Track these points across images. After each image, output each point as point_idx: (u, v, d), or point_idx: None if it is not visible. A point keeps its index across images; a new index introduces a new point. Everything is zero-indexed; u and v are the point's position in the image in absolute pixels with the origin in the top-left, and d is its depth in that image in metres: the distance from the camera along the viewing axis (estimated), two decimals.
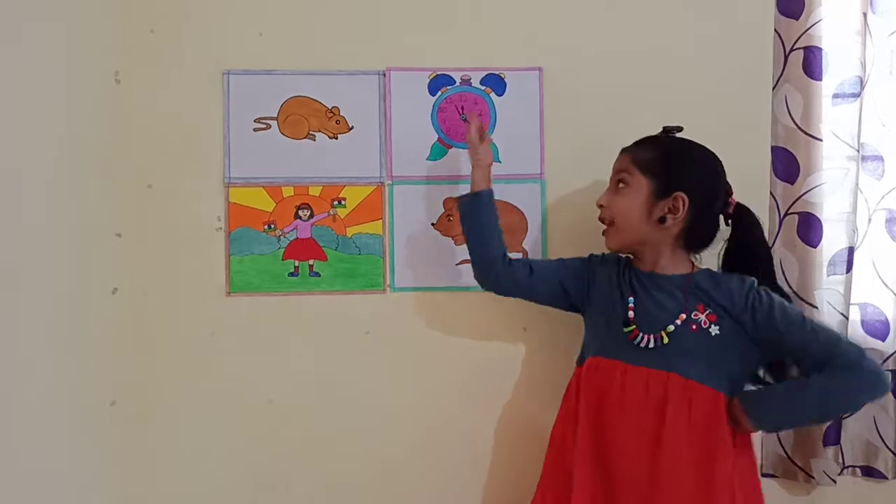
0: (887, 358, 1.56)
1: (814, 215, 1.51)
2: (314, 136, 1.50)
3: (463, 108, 1.51)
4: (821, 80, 1.51)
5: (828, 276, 1.52)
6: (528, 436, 1.50)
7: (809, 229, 1.52)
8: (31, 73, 1.43)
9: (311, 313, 1.50)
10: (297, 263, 1.50)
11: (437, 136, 1.51)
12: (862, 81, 1.51)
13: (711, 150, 1.29)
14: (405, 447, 1.51)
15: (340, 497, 1.51)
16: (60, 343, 1.45)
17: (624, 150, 1.32)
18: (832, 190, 1.51)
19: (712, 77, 1.52)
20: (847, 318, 1.51)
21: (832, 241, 1.52)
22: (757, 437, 1.55)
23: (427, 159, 1.51)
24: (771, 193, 1.54)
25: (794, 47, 1.51)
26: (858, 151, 1.51)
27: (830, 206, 1.51)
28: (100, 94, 1.46)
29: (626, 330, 1.25)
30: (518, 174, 1.51)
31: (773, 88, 1.53)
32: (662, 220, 1.26)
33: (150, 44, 1.47)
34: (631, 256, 1.35)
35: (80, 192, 1.46)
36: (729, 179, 1.50)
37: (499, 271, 1.37)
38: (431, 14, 1.50)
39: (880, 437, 1.56)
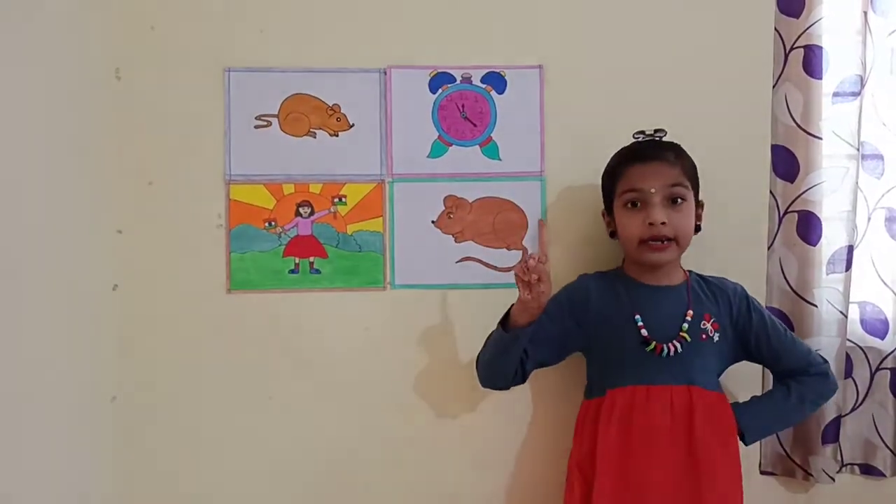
0: (886, 356, 1.56)
1: (813, 214, 1.52)
2: (315, 133, 1.50)
3: (464, 107, 1.51)
4: (821, 78, 1.51)
5: (827, 274, 1.52)
6: (527, 431, 1.50)
7: (809, 228, 1.52)
8: (32, 69, 1.43)
9: (312, 310, 1.50)
10: (297, 260, 1.50)
11: (437, 134, 1.51)
12: (862, 80, 1.51)
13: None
14: (405, 444, 1.52)
15: (340, 493, 1.51)
16: (61, 339, 1.45)
17: (662, 158, 1.27)
18: (832, 188, 1.51)
19: (712, 75, 1.52)
20: (846, 317, 1.52)
21: (832, 240, 1.52)
22: None
23: (427, 157, 1.51)
24: (771, 192, 1.54)
25: (795, 46, 1.52)
26: (858, 150, 1.51)
27: (830, 205, 1.51)
28: (100, 90, 1.47)
29: (648, 349, 1.26)
30: (518, 172, 1.52)
31: (773, 87, 1.53)
32: (698, 229, 1.30)
33: (151, 40, 1.48)
34: (620, 268, 1.37)
35: (80, 189, 1.46)
36: (729, 177, 1.52)
37: (506, 385, 1.34)
38: (432, 12, 1.50)
39: (879, 435, 1.57)
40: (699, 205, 1.33)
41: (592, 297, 1.34)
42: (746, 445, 1.32)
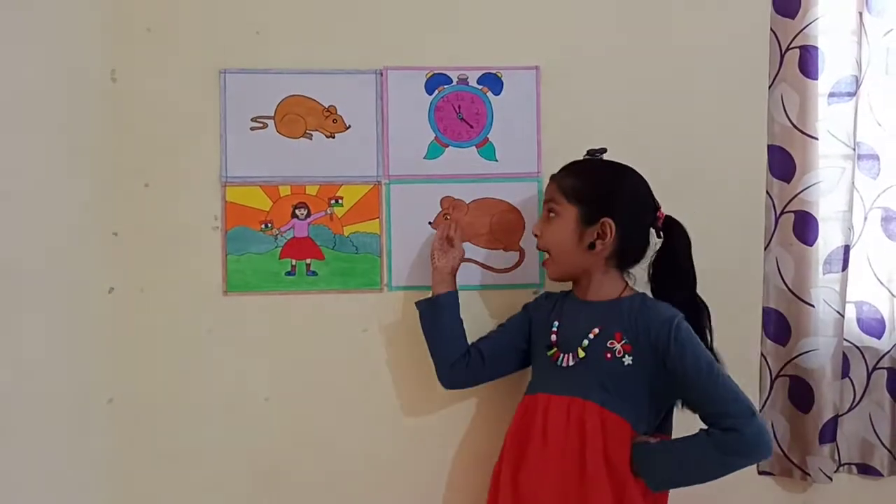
0: (883, 356, 1.56)
1: (810, 214, 1.52)
2: (311, 135, 1.50)
3: (460, 108, 1.51)
4: (817, 79, 1.51)
5: (824, 274, 1.52)
6: None
7: (805, 228, 1.52)
8: (28, 70, 1.43)
9: (309, 312, 1.50)
10: (294, 262, 1.50)
11: (434, 135, 1.51)
12: (858, 80, 1.51)
13: (633, 168, 1.30)
14: (402, 445, 1.51)
15: (337, 494, 1.51)
16: (57, 342, 1.45)
17: (552, 178, 1.34)
18: (828, 188, 1.51)
19: (708, 76, 1.52)
20: (843, 317, 1.52)
21: (828, 240, 1.52)
22: None
23: (424, 158, 1.51)
24: (767, 192, 1.54)
25: (790, 46, 1.52)
26: (854, 150, 1.52)
27: (826, 205, 1.52)
28: (96, 92, 1.46)
29: (549, 353, 1.30)
30: (515, 173, 1.52)
31: (769, 87, 1.53)
32: (592, 246, 1.27)
33: (147, 42, 1.47)
34: (570, 287, 1.38)
35: (76, 191, 1.46)
36: (726, 178, 1.52)
37: (457, 373, 1.40)
38: (428, 13, 1.50)
39: (876, 434, 1.57)
40: (604, 225, 1.25)
41: (543, 304, 1.40)
42: (654, 492, 1.21)
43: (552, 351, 1.29)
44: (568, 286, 1.38)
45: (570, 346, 1.28)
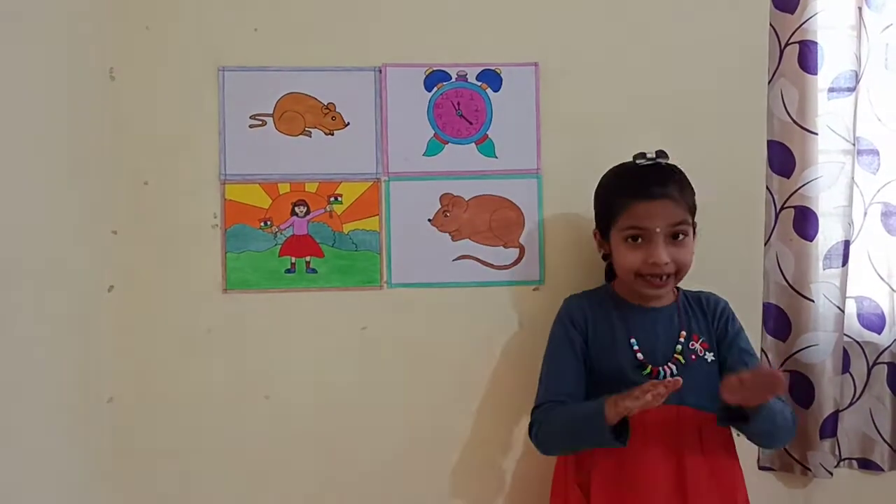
0: (883, 351, 1.56)
1: (810, 209, 1.52)
2: (310, 132, 1.50)
3: (459, 105, 1.51)
4: (816, 74, 1.51)
5: (824, 269, 1.52)
6: (526, 432, 1.50)
7: (805, 223, 1.52)
8: (26, 69, 1.42)
9: (308, 310, 1.49)
10: (293, 260, 1.50)
11: (433, 132, 1.51)
12: (857, 76, 1.51)
13: None
14: (402, 443, 1.51)
15: (337, 492, 1.51)
16: (57, 341, 1.44)
17: (667, 196, 1.23)
18: (828, 184, 1.51)
19: (708, 71, 1.52)
20: (843, 312, 1.52)
21: (828, 235, 1.52)
22: None
23: (423, 155, 1.51)
24: (767, 188, 1.54)
25: (790, 42, 1.52)
26: (854, 145, 1.52)
27: (826, 200, 1.52)
28: (95, 90, 1.46)
29: (644, 373, 1.25)
30: (514, 170, 1.51)
31: (769, 83, 1.53)
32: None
33: (145, 40, 1.47)
34: (609, 286, 1.35)
35: (75, 189, 1.45)
36: (725, 174, 1.52)
37: None
38: (427, 10, 1.50)
39: (876, 429, 1.57)
40: (695, 232, 1.29)
41: (589, 316, 1.33)
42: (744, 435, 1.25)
43: (647, 370, 1.24)
44: (594, 264, 1.40)
45: (661, 359, 1.26)
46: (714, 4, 1.52)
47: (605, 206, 1.32)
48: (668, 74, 1.52)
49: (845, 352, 1.55)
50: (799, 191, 1.52)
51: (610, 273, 1.40)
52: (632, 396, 1.11)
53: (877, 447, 1.57)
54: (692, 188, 1.30)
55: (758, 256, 1.54)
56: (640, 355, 1.26)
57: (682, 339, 1.27)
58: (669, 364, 1.25)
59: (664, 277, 1.24)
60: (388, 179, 1.50)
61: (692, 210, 1.28)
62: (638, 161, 1.29)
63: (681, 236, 1.24)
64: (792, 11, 1.51)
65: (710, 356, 1.28)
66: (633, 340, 1.27)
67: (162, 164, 1.48)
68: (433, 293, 1.51)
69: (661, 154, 1.29)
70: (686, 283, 1.34)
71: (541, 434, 1.29)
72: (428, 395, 1.51)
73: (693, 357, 1.27)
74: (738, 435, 1.52)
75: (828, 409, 1.51)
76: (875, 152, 1.58)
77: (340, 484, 1.51)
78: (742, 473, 1.31)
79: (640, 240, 1.24)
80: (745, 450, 1.54)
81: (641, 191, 1.24)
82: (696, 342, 1.28)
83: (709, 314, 1.33)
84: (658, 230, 1.22)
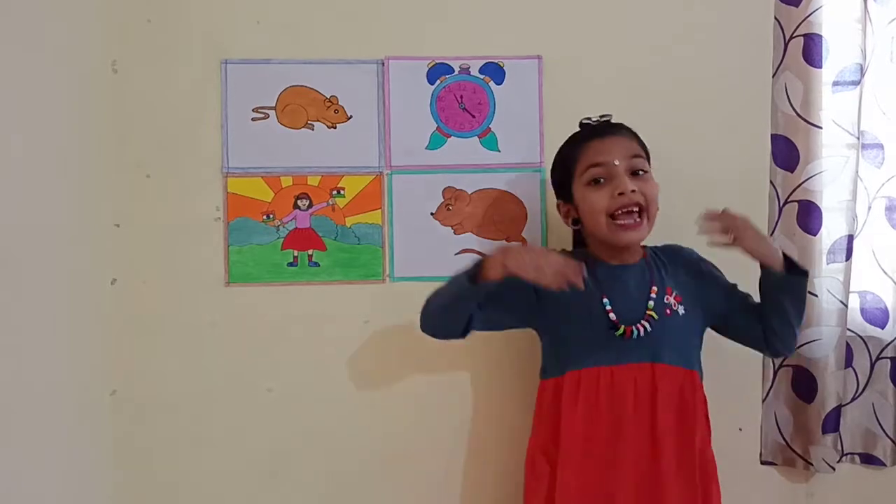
0: (887, 345, 1.56)
1: (813, 203, 1.51)
2: (313, 125, 1.49)
3: (462, 98, 1.51)
4: (821, 67, 1.50)
5: (827, 264, 1.51)
6: (527, 423, 1.50)
7: (809, 217, 1.51)
8: (28, 62, 1.42)
9: (311, 303, 1.50)
10: (296, 253, 1.50)
11: (435, 126, 1.50)
12: (862, 69, 1.50)
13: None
14: (404, 436, 1.52)
15: (339, 485, 1.51)
16: (60, 334, 1.45)
17: (619, 133, 1.26)
18: (832, 178, 1.51)
19: (712, 65, 1.51)
20: (846, 306, 1.51)
21: (832, 230, 1.51)
22: (756, 425, 1.56)
23: (426, 148, 1.50)
24: (771, 182, 1.54)
25: (794, 35, 1.51)
26: (858, 139, 1.51)
27: (830, 194, 1.51)
28: (97, 83, 1.46)
29: (618, 334, 1.23)
30: (517, 163, 1.51)
31: (773, 76, 1.53)
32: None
33: (148, 33, 1.47)
34: (583, 249, 1.33)
35: (77, 183, 1.45)
36: (729, 167, 1.51)
37: (450, 335, 1.28)
38: (430, 2, 1.50)
39: (879, 424, 1.57)
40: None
41: None
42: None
43: (621, 330, 1.22)
44: (562, 245, 1.39)
45: (636, 316, 1.24)
46: None
47: (561, 165, 1.31)
48: (671, 67, 1.51)
49: (848, 346, 1.54)
50: (803, 185, 1.52)
51: (578, 241, 1.38)
52: (522, 263, 1.12)
53: (879, 442, 1.57)
54: (643, 142, 1.29)
55: None
56: (612, 315, 1.24)
57: (653, 295, 1.25)
58: (643, 322, 1.23)
59: (636, 214, 1.22)
60: (391, 173, 1.50)
61: (647, 152, 1.28)
62: (583, 122, 1.31)
63: (641, 172, 1.24)
64: (797, 4, 1.50)
65: (681, 309, 1.26)
66: (605, 301, 1.25)
67: (164, 157, 1.48)
68: (435, 287, 1.50)
69: (604, 116, 1.30)
70: None
71: (426, 306, 1.27)
72: (430, 388, 1.51)
73: (668, 311, 1.25)
74: (741, 429, 1.53)
75: (830, 404, 1.51)
76: (880, 146, 1.57)
77: (342, 476, 1.51)
78: (709, 432, 1.29)
79: (602, 180, 1.23)
80: (747, 445, 1.56)
81: (592, 132, 1.27)
82: (670, 296, 1.26)
83: (685, 265, 1.32)
84: (617, 163, 1.22)
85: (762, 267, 1.26)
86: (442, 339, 1.31)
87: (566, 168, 1.29)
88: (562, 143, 1.33)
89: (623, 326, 1.23)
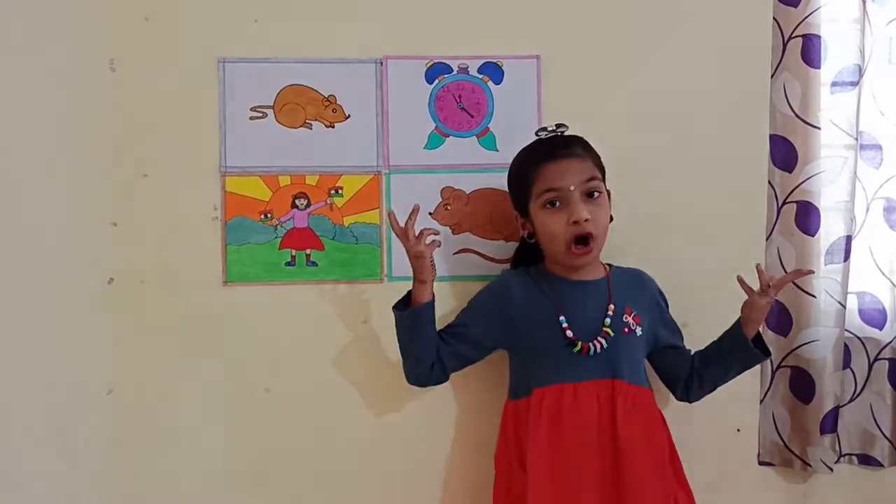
0: (884, 346, 1.56)
1: (812, 204, 1.51)
2: (311, 124, 1.49)
3: (460, 97, 1.50)
4: (819, 68, 1.50)
5: (825, 264, 1.51)
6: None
7: (807, 218, 1.51)
8: (26, 60, 1.42)
9: (308, 303, 1.49)
10: (293, 253, 1.49)
11: (434, 125, 1.50)
12: (860, 70, 1.50)
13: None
14: (402, 436, 1.51)
15: (337, 485, 1.51)
16: (57, 333, 1.44)
17: (574, 154, 1.27)
18: (830, 178, 1.51)
19: (710, 65, 1.51)
20: (844, 307, 1.51)
21: (830, 230, 1.51)
22: (754, 426, 1.56)
23: (424, 148, 1.50)
24: (769, 182, 1.54)
25: (793, 35, 1.51)
26: (857, 140, 1.51)
27: (828, 195, 1.51)
28: (94, 82, 1.45)
29: (575, 350, 1.26)
30: None
31: (772, 76, 1.52)
32: (611, 219, 1.31)
33: (145, 31, 1.46)
34: (541, 264, 1.36)
35: (74, 182, 1.45)
36: (727, 168, 1.52)
37: (429, 378, 1.36)
38: (428, 2, 1.49)
39: (877, 425, 1.57)
40: (609, 197, 1.32)
41: (514, 294, 1.34)
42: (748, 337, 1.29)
43: (577, 346, 1.26)
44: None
45: (591, 333, 1.26)
46: None
47: (518, 181, 1.34)
48: (670, 68, 1.51)
49: (846, 347, 1.55)
50: (801, 185, 1.52)
51: (524, 255, 1.41)
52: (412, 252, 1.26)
53: (877, 443, 1.57)
54: (597, 153, 1.31)
55: (759, 251, 1.53)
56: (569, 333, 1.27)
57: (610, 312, 1.28)
58: (599, 339, 1.26)
59: (588, 241, 1.25)
60: (389, 172, 1.50)
61: (602, 170, 1.30)
62: (539, 134, 1.33)
63: (595, 194, 1.27)
64: (795, 5, 1.50)
65: (639, 330, 1.30)
66: (561, 318, 1.28)
67: (162, 156, 1.47)
68: (434, 287, 1.50)
69: (560, 125, 1.31)
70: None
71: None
72: (428, 388, 1.51)
73: (626, 330, 1.28)
74: (738, 430, 1.53)
75: (828, 405, 1.51)
76: (878, 147, 1.57)
77: (340, 476, 1.51)
78: (673, 443, 1.33)
79: (557, 204, 1.26)
80: (745, 446, 1.56)
81: (548, 154, 1.28)
82: (629, 315, 1.29)
83: (646, 291, 1.36)
84: (572, 188, 1.25)
85: (735, 328, 1.31)
86: (430, 386, 1.38)
87: (523, 186, 1.32)
88: (519, 152, 1.35)
89: (580, 343, 1.26)
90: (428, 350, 1.32)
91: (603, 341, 1.26)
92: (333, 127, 1.49)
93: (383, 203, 1.50)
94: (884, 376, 1.57)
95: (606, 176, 1.33)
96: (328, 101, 1.49)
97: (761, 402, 1.56)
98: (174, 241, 1.48)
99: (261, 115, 1.48)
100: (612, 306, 1.28)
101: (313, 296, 1.49)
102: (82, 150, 1.45)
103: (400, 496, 1.52)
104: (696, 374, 1.35)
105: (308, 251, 1.49)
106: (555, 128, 1.31)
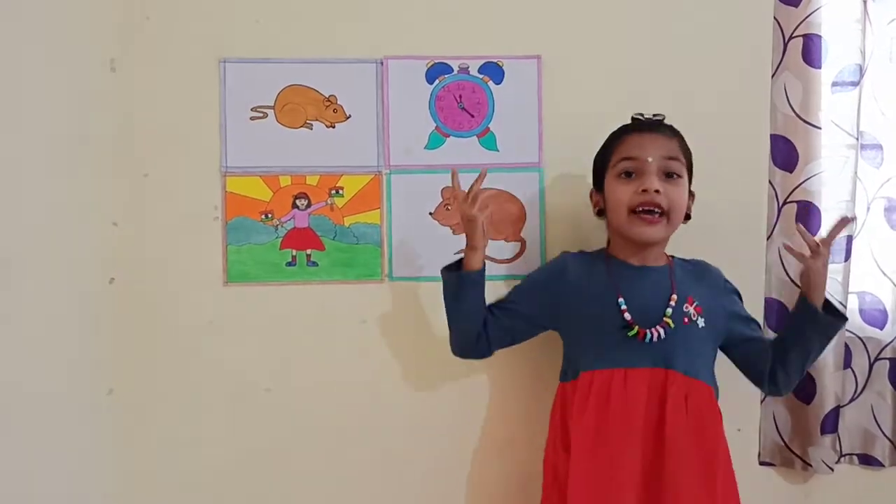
0: (885, 346, 1.56)
1: (812, 204, 1.51)
2: (311, 124, 1.49)
3: (461, 97, 1.50)
4: (820, 68, 1.50)
5: None
6: (524, 425, 1.50)
7: (808, 218, 1.51)
8: (26, 60, 1.42)
9: (309, 303, 1.49)
10: (294, 253, 1.49)
11: (434, 125, 1.50)
12: (861, 69, 1.50)
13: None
14: (402, 436, 1.51)
15: (337, 485, 1.51)
16: (58, 333, 1.45)
17: (660, 131, 1.25)
18: (831, 178, 1.50)
19: (711, 65, 1.51)
20: (845, 307, 1.51)
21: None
22: (755, 426, 1.56)
23: (425, 148, 1.50)
24: (770, 182, 1.54)
25: (794, 35, 1.51)
26: (857, 140, 1.51)
27: (829, 195, 1.51)
28: (95, 82, 1.46)
29: (630, 334, 1.22)
30: (516, 163, 1.51)
31: (772, 76, 1.52)
32: (688, 217, 1.28)
33: (146, 31, 1.46)
34: (604, 249, 1.34)
35: (75, 182, 1.45)
36: (728, 168, 1.51)
37: (474, 349, 1.33)
38: (429, 2, 1.49)
39: (878, 425, 1.57)
40: (691, 195, 1.30)
41: (570, 273, 1.31)
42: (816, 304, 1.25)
43: (634, 331, 1.21)
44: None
45: (651, 320, 1.22)
46: None
47: (600, 154, 1.33)
48: (670, 68, 1.51)
49: (847, 347, 1.54)
50: (802, 185, 1.51)
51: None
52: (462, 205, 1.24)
53: (878, 443, 1.57)
54: (689, 147, 1.30)
55: (760, 251, 1.53)
56: (627, 315, 1.23)
57: (672, 303, 1.24)
58: (658, 327, 1.22)
59: (656, 213, 1.22)
60: (390, 172, 1.50)
61: (687, 159, 1.28)
62: (634, 118, 1.32)
63: (675, 175, 1.24)
64: (796, 5, 1.50)
65: (701, 321, 1.25)
66: (620, 300, 1.24)
67: (163, 156, 1.47)
68: (434, 287, 1.49)
69: (657, 115, 1.30)
70: None
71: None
72: (428, 388, 1.51)
73: (685, 320, 1.23)
74: (739, 430, 1.53)
75: (829, 405, 1.51)
76: (879, 147, 1.57)
77: (340, 476, 1.51)
78: (725, 439, 1.26)
79: (632, 175, 1.24)
80: (746, 446, 1.56)
81: (635, 126, 1.28)
82: (691, 305, 1.25)
83: (709, 281, 1.32)
84: (650, 160, 1.22)
85: (801, 301, 1.27)
86: (473, 358, 1.36)
87: (603, 157, 1.31)
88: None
89: (637, 327, 1.22)
90: (474, 319, 1.29)
91: (661, 331, 1.21)
92: (334, 127, 1.49)
93: (384, 203, 1.50)
94: (884, 376, 1.57)
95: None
96: (329, 101, 1.49)
97: (762, 402, 1.56)
98: (175, 241, 1.48)
99: (261, 115, 1.48)
100: (674, 296, 1.23)
101: (314, 296, 1.49)
102: (83, 150, 1.45)
103: (400, 496, 1.52)
104: (778, 363, 1.28)
105: (309, 251, 1.49)
106: (651, 116, 1.29)
